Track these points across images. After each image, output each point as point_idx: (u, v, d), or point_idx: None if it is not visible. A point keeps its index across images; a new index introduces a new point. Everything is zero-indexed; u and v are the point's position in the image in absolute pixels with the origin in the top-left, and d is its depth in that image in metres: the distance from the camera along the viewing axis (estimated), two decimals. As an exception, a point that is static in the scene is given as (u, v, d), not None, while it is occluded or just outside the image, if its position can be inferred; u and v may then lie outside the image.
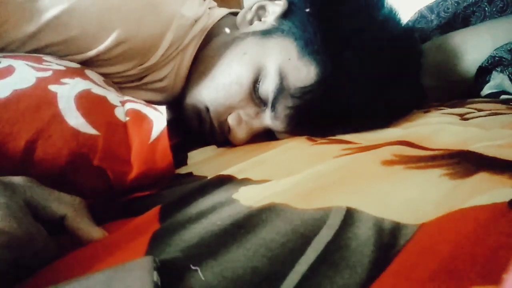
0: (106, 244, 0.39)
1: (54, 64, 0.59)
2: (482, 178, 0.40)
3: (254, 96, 0.72)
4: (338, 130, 0.70)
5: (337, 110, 0.68)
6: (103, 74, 0.69)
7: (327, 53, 0.67)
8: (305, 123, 0.71)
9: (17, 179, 0.39)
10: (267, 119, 0.73)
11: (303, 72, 0.68)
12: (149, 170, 0.52)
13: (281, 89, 0.68)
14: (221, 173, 0.52)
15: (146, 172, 0.51)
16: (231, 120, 0.72)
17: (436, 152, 0.50)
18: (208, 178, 0.53)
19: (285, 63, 0.69)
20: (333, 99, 0.68)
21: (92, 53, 0.67)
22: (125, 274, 0.30)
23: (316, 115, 0.69)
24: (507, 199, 0.35)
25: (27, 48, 0.64)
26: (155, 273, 0.30)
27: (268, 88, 0.70)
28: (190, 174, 0.58)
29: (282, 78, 0.68)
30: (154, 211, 0.43)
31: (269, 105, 0.71)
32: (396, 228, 0.34)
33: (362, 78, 0.68)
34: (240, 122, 0.73)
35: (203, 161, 0.65)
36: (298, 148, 0.62)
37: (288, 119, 0.71)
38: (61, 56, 0.66)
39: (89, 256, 0.37)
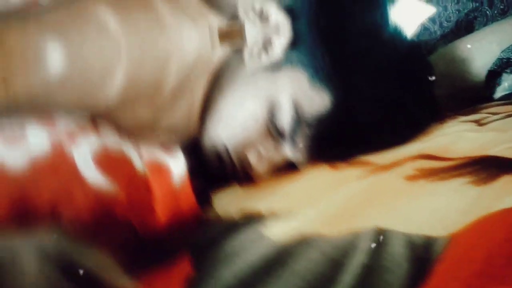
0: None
1: (66, 121, 0.60)
2: (506, 181, 0.40)
3: (271, 130, 0.72)
4: (359, 152, 0.70)
5: (356, 132, 0.68)
6: (117, 126, 0.70)
7: (337, 77, 0.68)
8: (325, 150, 0.71)
9: (46, 238, 0.40)
10: (287, 151, 0.73)
11: (317, 100, 0.68)
12: (175, 218, 0.52)
13: (298, 120, 0.69)
14: (247, 211, 0.53)
15: (173, 220, 0.52)
16: (251, 157, 0.72)
17: (457, 161, 0.50)
18: (235, 217, 0.53)
19: (297, 94, 0.69)
20: (350, 122, 0.68)
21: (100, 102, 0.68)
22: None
23: (335, 140, 0.69)
24: (533, 198, 0.35)
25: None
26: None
27: (284, 121, 0.70)
28: (216, 215, 0.59)
29: (296, 109, 0.69)
30: (185, 256, 0.43)
31: (287, 137, 0.71)
32: (428, 242, 0.33)
33: (375, 98, 0.68)
34: (260, 158, 0.73)
35: (228, 201, 0.65)
36: (319, 175, 0.62)
37: (307, 148, 0.71)
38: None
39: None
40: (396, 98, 0.69)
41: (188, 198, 0.53)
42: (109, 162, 0.54)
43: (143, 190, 0.53)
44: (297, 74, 0.71)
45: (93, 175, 0.51)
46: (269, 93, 0.71)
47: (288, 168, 0.74)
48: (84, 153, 0.53)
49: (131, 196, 0.51)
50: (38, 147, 0.52)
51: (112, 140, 0.59)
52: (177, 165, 0.56)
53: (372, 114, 0.68)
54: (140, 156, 0.59)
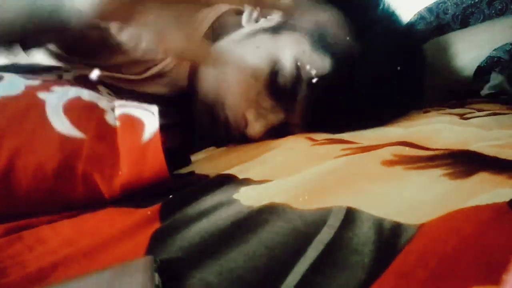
0: (106, 239, 0.39)
1: (43, 74, 0.59)
2: (482, 178, 0.40)
3: (270, 89, 0.72)
4: (355, 123, 0.71)
5: (352, 101, 0.69)
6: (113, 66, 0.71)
7: (340, 46, 0.69)
8: (322, 116, 0.71)
9: None
10: (284, 112, 0.73)
11: (318, 63, 0.69)
12: (139, 172, 0.50)
13: (299, 80, 0.69)
14: (223, 172, 0.52)
15: (137, 175, 0.50)
16: (249, 115, 0.72)
17: (436, 152, 0.50)
18: (210, 177, 0.53)
19: (300, 55, 0.70)
20: (349, 90, 0.69)
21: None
22: (127, 275, 0.30)
23: (334, 107, 0.70)
24: (507, 199, 0.35)
25: None
26: (156, 275, 0.30)
27: (285, 79, 0.70)
28: (192, 173, 0.58)
29: (299, 68, 0.69)
30: (155, 208, 0.43)
31: (288, 96, 0.71)
32: (396, 228, 0.34)
33: (375, 70, 0.69)
34: (258, 116, 0.73)
35: (205, 160, 0.65)
36: (298, 148, 0.62)
37: (305, 112, 0.71)
38: None
39: (91, 249, 0.37)
40: (393, 73, 0.71)
41: (156, 154, 0.51)
42: (80, 111, 0.53)
43: (109, 144, 0.52)
44: (299, 38, 0.72)
45: (60, 123, 0.50)
46: (271, 52, 0.72)
47: (282, 130, 0.75)
48: (56, 102, 0.52)
49: (94, 146, 0.50)
50: (12, 88, 0.52)
51: (87, 93, 0.58)
52: (150, 122, 0.55)
53: (370, 85, 0.70)
54: (114, 111, 0.58)
